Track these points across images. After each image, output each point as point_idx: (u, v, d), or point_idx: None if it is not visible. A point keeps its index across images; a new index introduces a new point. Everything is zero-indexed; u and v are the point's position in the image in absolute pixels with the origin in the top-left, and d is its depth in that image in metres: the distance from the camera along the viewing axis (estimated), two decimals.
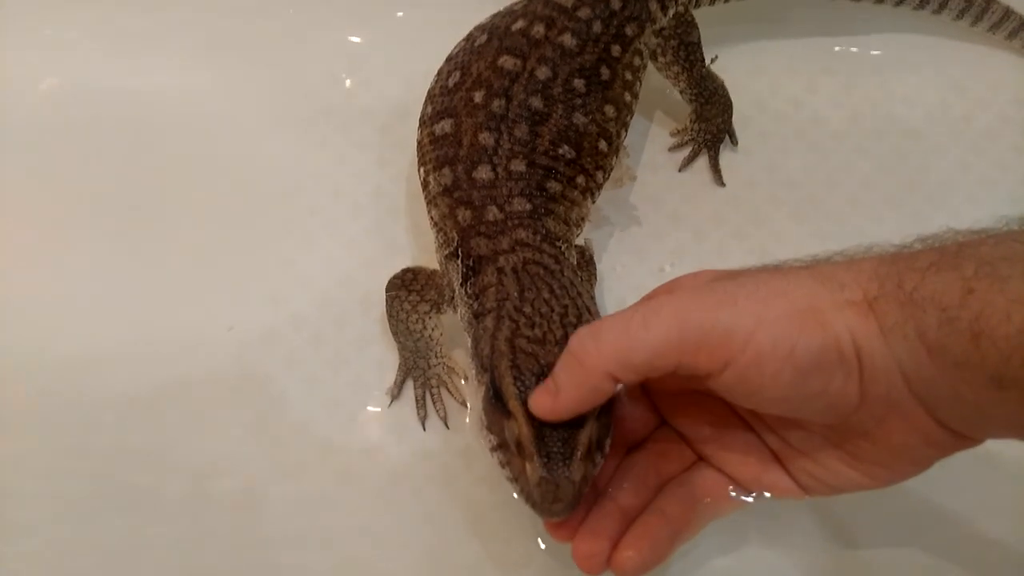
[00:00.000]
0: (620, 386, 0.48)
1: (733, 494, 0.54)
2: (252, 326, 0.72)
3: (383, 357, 0.70)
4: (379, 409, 0.69)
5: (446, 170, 0.64)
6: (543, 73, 0.67)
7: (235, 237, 0.77)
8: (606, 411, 0.51)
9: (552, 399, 0.48)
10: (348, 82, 0.86)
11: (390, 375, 0.69)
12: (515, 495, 0.51)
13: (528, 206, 0.63)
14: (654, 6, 0.74)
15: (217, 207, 0.78)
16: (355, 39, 0.88)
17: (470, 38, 0.72)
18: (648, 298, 0.54)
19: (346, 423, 0.68)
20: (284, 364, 0.71)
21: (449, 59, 0.72)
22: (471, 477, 0.66)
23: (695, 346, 0.44)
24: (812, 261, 0.49)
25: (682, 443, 0.55)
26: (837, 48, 0.88)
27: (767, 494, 0.53)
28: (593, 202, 0.69)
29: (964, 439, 0.45)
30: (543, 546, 0.62)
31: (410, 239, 0.76)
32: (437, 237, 0.66)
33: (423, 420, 0.68)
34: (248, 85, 0.85)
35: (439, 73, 0.72)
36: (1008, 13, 0.84)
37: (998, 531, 0.62)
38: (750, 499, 0.54)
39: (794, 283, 0.45)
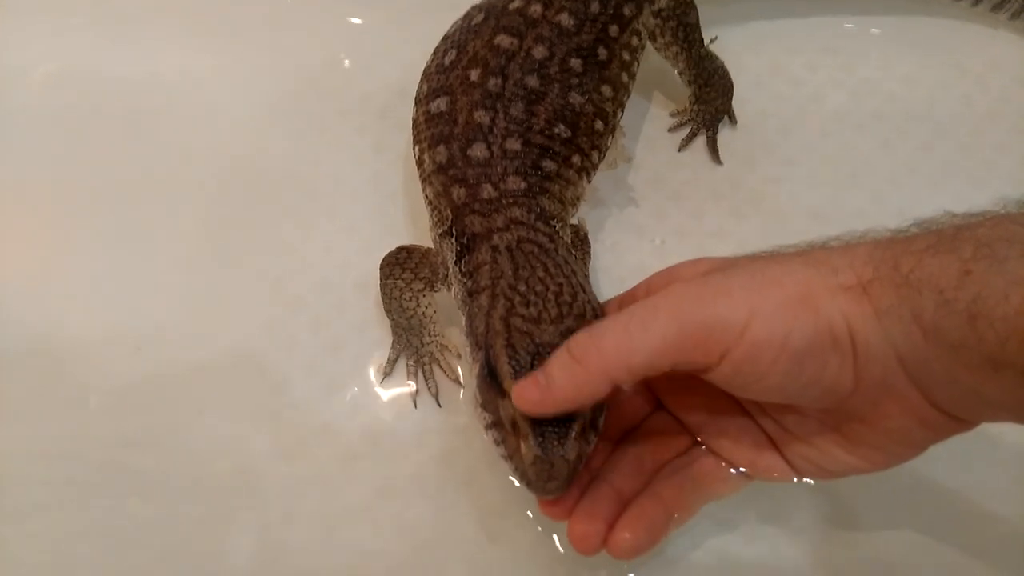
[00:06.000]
0: None
1: (732, 473, 0.54)
2: (251, 310, 0.72)
3: (382, 340, 0.70)
4: (378, 390, 0.69)
5: (441, 148, 0.64)
6: (539, 52, 0.66)
7: (234, 222, 0.77)
8: None
9: (541, 393, 0.47)
10: (347, 63, 0.85)
11: None
12: (510, 473, 0.51)
13: (523, 185, 0.62)
14: None
15: (216, 192, 0.78)
16: (355, 20, 0.88)
17: (467, 17, 0.72)
18: (645, 287, 0.54)
19: (345, 405, 0.68)
20: (284, 348, 0.71)
21: (446, 38, 0.72)
22: (470, 455, 0.66)
23: (693, 343, 0.44)
24: (807, 247, 0.49)
25: (678, 427, 0.56)
26: (838, 27, 0.87)
27: (763, 478, 0.53)
28: (588, 182, 0.69)
29: (960, 422, 0.45)
30: (540, 527, 0.62)
31: (408, 223, 0.76)
32: (431, 215, 0.65)
33: (415, 398, 0.68)
34: (248, 68, 0.85)
35: (435, 51, 0.71)
36: None
37: (997, 510, 0.62)
38: (745, 479, 0.54)
39: (788, 271, 0.45)
